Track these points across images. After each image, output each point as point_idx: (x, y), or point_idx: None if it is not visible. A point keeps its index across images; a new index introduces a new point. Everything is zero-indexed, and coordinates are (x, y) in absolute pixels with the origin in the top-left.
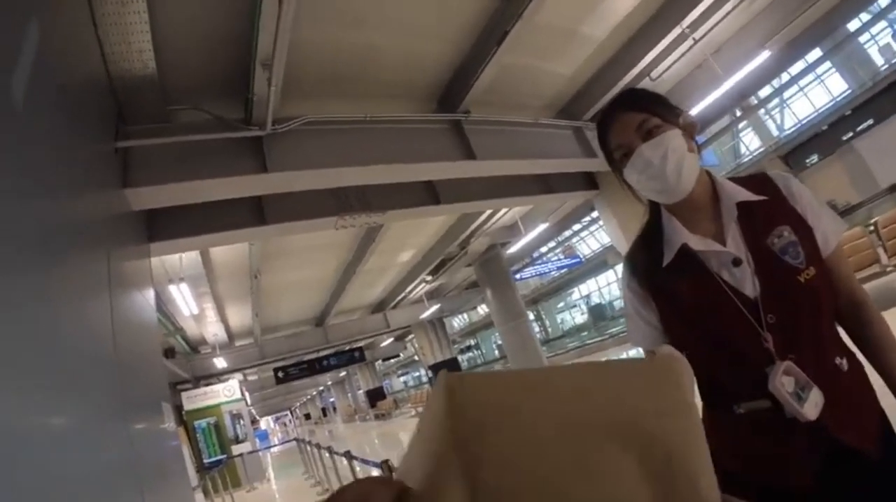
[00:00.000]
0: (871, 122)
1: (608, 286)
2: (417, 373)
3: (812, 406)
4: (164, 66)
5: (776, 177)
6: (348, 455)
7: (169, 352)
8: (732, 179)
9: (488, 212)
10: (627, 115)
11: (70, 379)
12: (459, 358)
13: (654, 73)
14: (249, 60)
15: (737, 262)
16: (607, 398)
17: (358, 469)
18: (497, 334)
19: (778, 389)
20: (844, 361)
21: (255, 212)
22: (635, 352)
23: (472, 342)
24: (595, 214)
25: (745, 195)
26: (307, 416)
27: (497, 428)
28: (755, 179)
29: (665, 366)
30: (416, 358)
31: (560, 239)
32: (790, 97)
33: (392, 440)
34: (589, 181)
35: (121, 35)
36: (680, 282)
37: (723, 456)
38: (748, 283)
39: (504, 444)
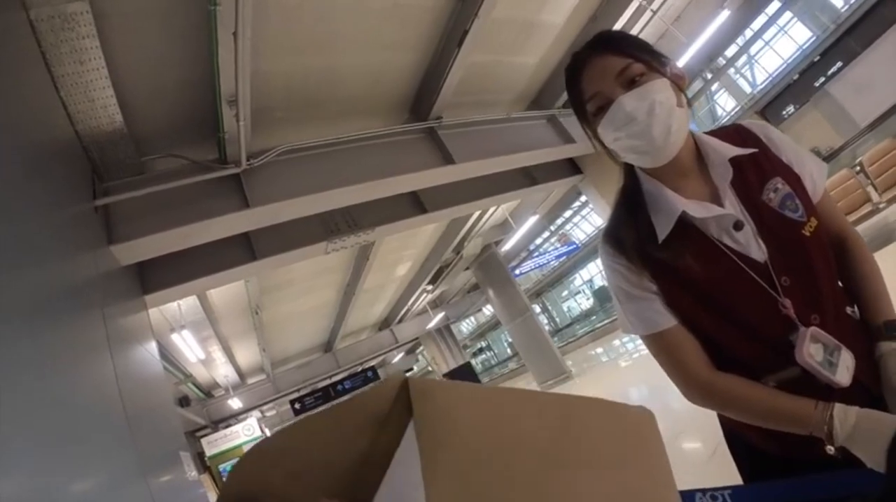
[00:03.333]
0: (840, 64)
1: None
2: None
3: (844, 370)
4: (131, 118)
5: (753, 127)
6: None
7: (183, 401)
8: (709, 133)
9: (477, 213)
10: (605, 60)
11: (81, 443)
12: (473, 361)
13: None
14: (215, 100)
15: (738, 226)
16: (583, 437)
17: None
18: (507, 332)
19: (807, 361)
20: (855, 309)
21: (245, 248)
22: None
23: (483, 344)
24: (583, 198)
25: (735, 150)
26: None
27: (463, 442)
28: (730, 131)
29: (644, 415)
30: (429, 369)
31: (553, 228)
32: (757, 53)
33: None
34: (571, 167)
35: (83, 93)
36: (681, 255)
37: (748, 433)
38: (753, 247)
39: (467, 460)
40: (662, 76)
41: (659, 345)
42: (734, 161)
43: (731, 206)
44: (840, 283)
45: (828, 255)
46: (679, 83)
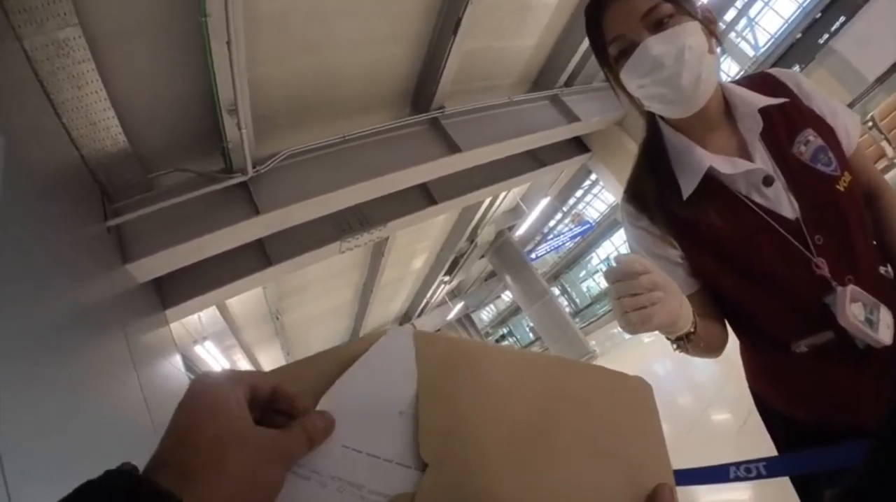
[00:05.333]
0: (843, 19)
1: (624, 244)
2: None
3: (885, 328)
4: (134, 136)
5: (781, 75)
6: None
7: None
8: (735, 83)
9: (488, 200)
10: None
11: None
12: None
13: None
14: (215, 110)
15: (768, 181)
16: (577, 402)
17: None
18: (527, 317)
19: (850, 321)
20: (889, 269)
21: (260, 255)
22: None
23: (505, 330)
24: (594, 177)
25: (764, 100)
26: None
27: (460, 387)
28: (758, 80)
29: (641, 385)
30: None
31: (565, 209)
32: (757, 14)
33: None
34: (579, 146)
35: (84, 117)
36: (706, 213)
37: (778, 401)
38: (784, 203)
39: (460, 397)
40: (693, 18)
41: None
42: (763, 112)
43: (761, 160)
44: (874, 242)
45: (862, 212)
46: (710, 27)
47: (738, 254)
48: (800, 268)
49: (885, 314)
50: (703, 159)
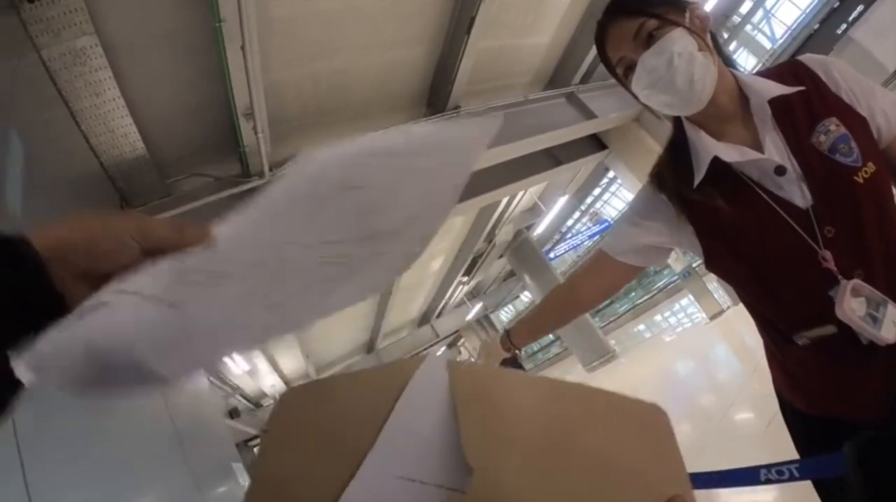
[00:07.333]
0: (861, 8)
1: None
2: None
3: (890, 326)
4: (152, 143)
5: (810, 62)
6: None
7: (233, 413)
8: (761, 73)
9: (505, 199)
10: (622, 23)
11: (134, 466)
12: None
13: None
14: (231, 115)
15: (780, 171)
16: (597, 424)
17: None
18: None
19: (848, 315)
20: None
21: None
22: (687, 301)
23: None
24: (611, 174)
25: (778, 89)
26: None
27: (493, 410)
28: (785, 68)
29: (658, 411)
30: (472, 360)
31: (583, 208)
32: (773, 6)
33: None
34: (596, 143)
35: (103, 125)
36: (716, 201)
37: (787, 392)
38: (797, 193)
39: (496, 426)
40: (678, 25)
41: (594, 259)
42: (781, 100)
43: (774, 149)
44: None
45: (884, 205)
46: (700, 26)
47: (746, 241)
48: (806, 260)
49: (892, 311)
50: (710, 148)
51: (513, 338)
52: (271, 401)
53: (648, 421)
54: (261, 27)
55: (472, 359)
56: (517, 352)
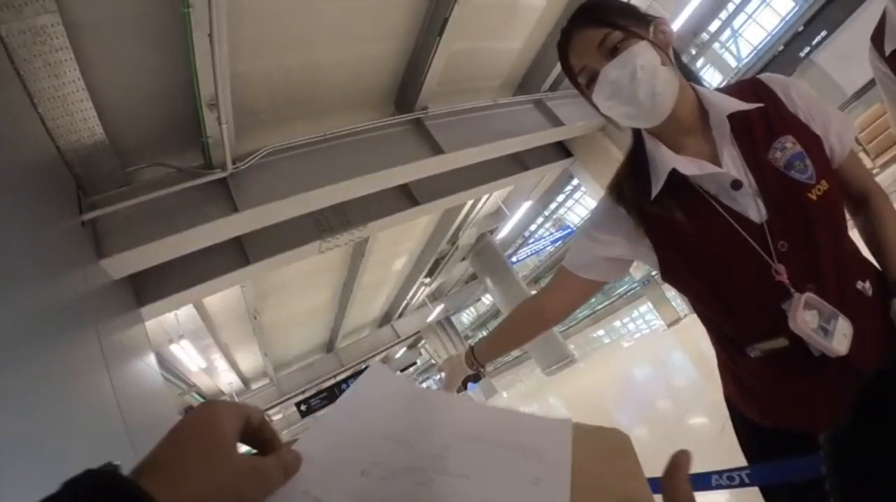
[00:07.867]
0: (824, 33)
1: None
2: (438, 376)
3: (841, 338)
4: (112, 129)
5: (770, 81)
6: None
7: (188, 411)
8: (722, 90)
9: (470, 202)
10: (586, 33)
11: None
12: None
13: None
14: (196, 105)
15: (736, 185)
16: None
17: None
18: None
19: (801, 327)
20: (868, 285)
21: (238, 253)
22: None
23: (485, 333)
24: (575, 182)
25: (736, 105)
26: None
27: None
28: (746, 85)
29: (622, 435)
30: (433, 362)
31: (547, 213)
32: (741, 26)
33: None
34: (561, 150)
35: (61, 107)
36: (674, 213)
37: (739, 402)
38: (752, 208)
39: None
40: (642, 38)
41: (557, 276)
42: (740, 116)
43: (731, 164)
44: (857, 251)
45: (836, 222)
46: (664, 41)
47: (701, 254)
48: (759, 273)
49: (843, 324)
50: (668, 160)
51: (477, 354)
52: (228, 399)
53: (613, 445)
54: (230, 15)
55: (433, 362)
56: (481, 368)
